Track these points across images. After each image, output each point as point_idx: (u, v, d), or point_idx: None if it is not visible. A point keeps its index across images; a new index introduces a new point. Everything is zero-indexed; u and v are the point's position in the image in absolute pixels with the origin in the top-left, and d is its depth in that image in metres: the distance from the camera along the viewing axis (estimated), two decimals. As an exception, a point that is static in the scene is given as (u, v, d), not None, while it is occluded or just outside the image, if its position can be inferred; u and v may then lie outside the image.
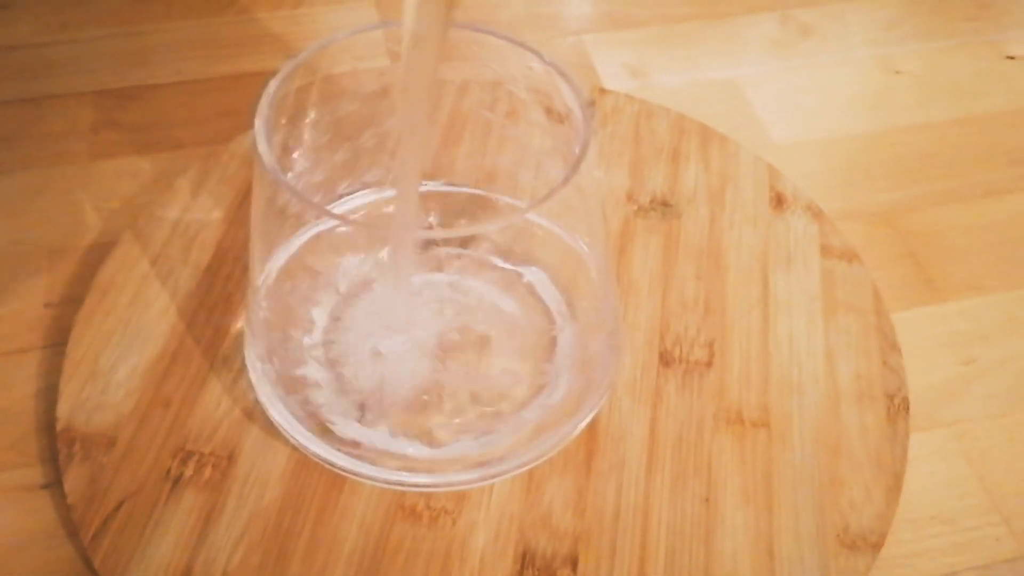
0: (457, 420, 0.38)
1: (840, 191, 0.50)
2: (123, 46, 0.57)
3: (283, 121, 0.37)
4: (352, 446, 0.37)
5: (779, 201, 0.48)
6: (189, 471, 0.38)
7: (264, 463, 0.38)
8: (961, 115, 0.55)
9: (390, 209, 0.41)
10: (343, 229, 0.41)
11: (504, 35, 0.37)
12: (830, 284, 0.44)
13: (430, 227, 0.43)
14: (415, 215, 0.38)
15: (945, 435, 0.41)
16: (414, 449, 0.37)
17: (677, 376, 0.41)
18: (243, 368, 0.40)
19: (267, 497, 0.37)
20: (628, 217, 0.47)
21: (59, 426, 0.39)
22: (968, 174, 0.52)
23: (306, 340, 0.39)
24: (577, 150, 0.33)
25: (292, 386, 0.38)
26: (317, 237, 0.40)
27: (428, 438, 0.37)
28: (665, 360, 0.42)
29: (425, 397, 0.37)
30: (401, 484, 0.37)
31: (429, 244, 0.41)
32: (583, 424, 0.39)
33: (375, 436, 0.37)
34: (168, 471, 0.38)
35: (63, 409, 0.39)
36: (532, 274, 0.41)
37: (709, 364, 0.42)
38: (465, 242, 0.41)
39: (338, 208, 0.43)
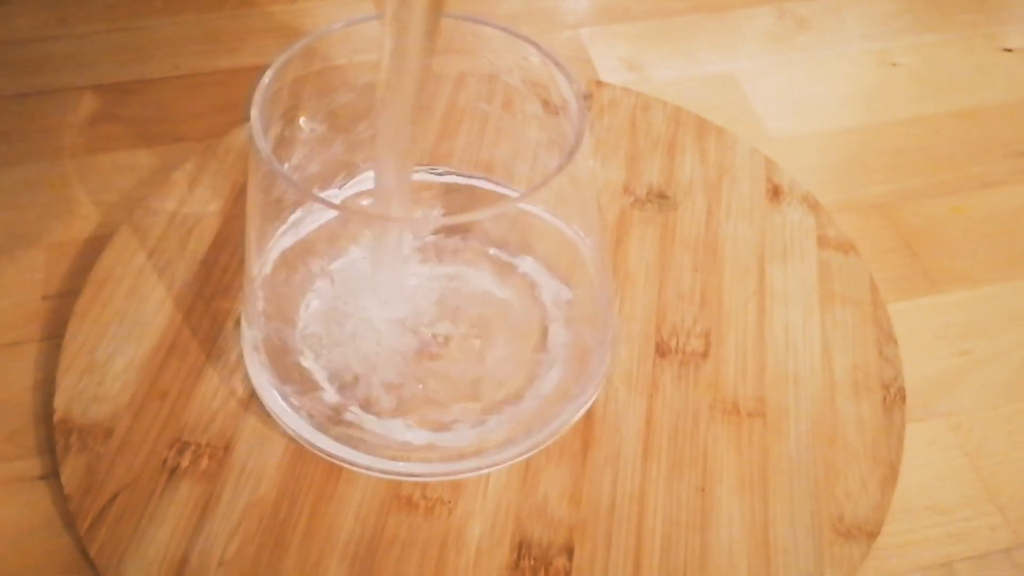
0: (452, 409, 0.38)
1: (837, 183, 0.50)
2: (121, 40, 0.57)
3: (279, 113, 0.37)
4: (347, 434, 0.37)
5: (775, 193, 0.48)
6: (185, 462, 0.38)
7: (260, 453, 0.38)
8: (958, 108, 0.55)
9: (368, 201, 0.41)
10: (339, 219, 0.41)
11: (501, 26, 0.37)
12: (826, 275, 0.45)
13: (425, 216, 0.43)
14: (408, 202, 0.38)
15: (941, 426, 0.41)
16: (411, 435, 0.37)
17: (673, 366, 0.41)
18: (239, 359, 0.41)
19: (263, 487, 0.37)
20: (625, 209, 0.47)
21: (56, 417, 0.39)
22: (965, 166, 0.52)
23: (302, 331, 0.39)
24: (572, 141, 0.33)
25: (288, 376, 0.38)
26: (313, 228, 0.40)
27: (423, 426, 0.37)
28: (661, 351, 0.42)
29: (420, 386, 0.37)
30: (397, 474, 0.37)
31: (425, 233, 0.41)
32: (579, 414, 0.39)
33: (370, 424, 0.37)
34: (164, 462, 0.38)
35: (60, 400, 0.39)
36: (527, 264, 0.41)
37: (705, 355, 0.42)
38: (461, 231, 0.41)
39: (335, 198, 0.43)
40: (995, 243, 0.48)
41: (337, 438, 0.37)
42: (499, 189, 0.44)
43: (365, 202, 0.42)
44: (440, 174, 0.44)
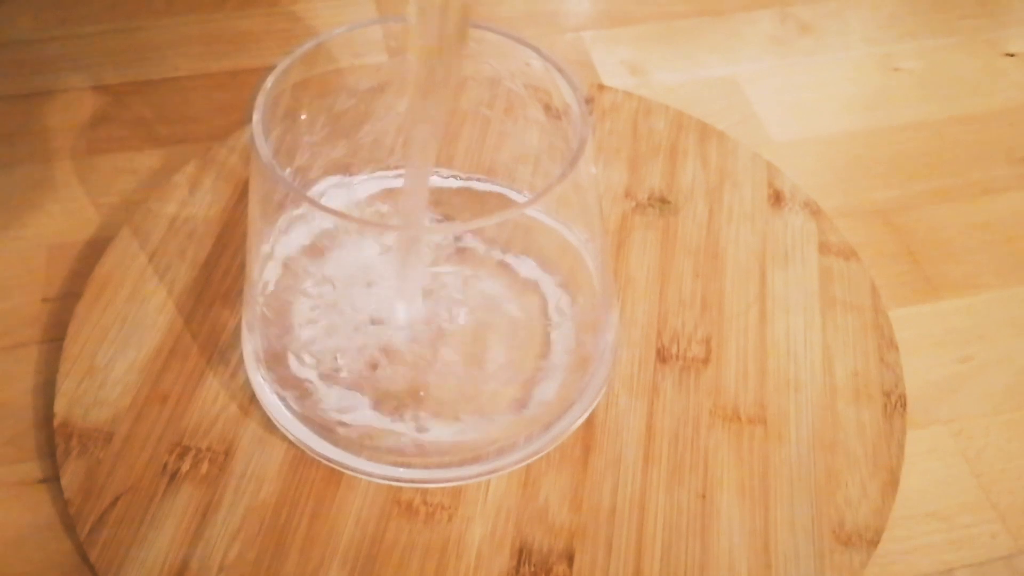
0: (453, 414, 0.38)
1: (838, 188, 0.50)
2: (122, 42, 0.57)
3: (280, 117, 0.37)
4: (347, 440, 0.37)
5: (777, 198, 0.48)
6: (186, 466, 0.38)
7: (261, 458, 0.38)
8: (960, 113, 0.55)
9: (384, 207, 0.41)
10: (340, 224, 0.41)
11: (503, 31, 0.37)
12: (828, 281, 0.44)
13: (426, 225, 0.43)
14: (422, 213, 0.38)
15: (942, 432, 0.41)
16: (411, 440, 0.37)
17: (674, 372, 0.41)
18: (240, 363, 0.41)
19: (264, 492, 0.37)
20: (626, 213, 0.47)
21: (56, 421, 0.39)
22: (967, 172, 0.52)
23: (303, 335, 0.39)
24: (574, 146, 0.33)
25: (288, 381, 0.38)
26: (314, 232, 0.40)
27: (424, 432, 0.37)
28: (662, 356, 0.42)
29: (421, 392, 0.37)
30: (398, 480, 0.37)
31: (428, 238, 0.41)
32: (580, 420, 0.39)
33: (371, 429, 0.37)
34: (165, 466, 0.38)
35: (60, 404, 0.39)
36: (529, 269, 0.41)
37: (706, 361, 0.42)
38: (462, 236, 0.41)
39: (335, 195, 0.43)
40: (996, 249, 0.48)
41: (337, 443, 0.37)
42: (503, 191, 0.44)
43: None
44: (444, 177, 0.44)
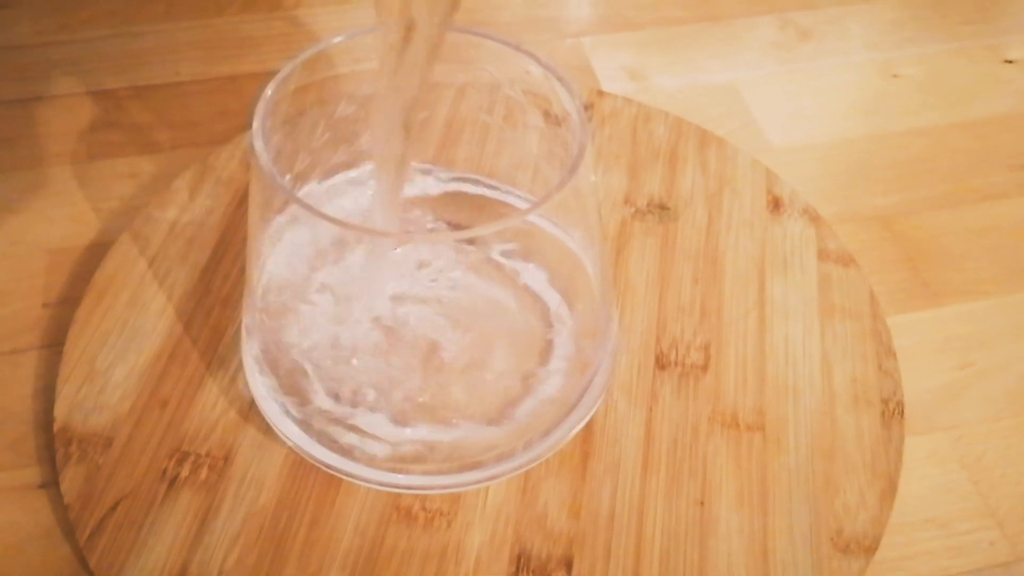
0: (452, 420, 0.38)
1: (838, 195, 0.50)
2: (122, 47, 0.57)
3: (281, 122, 0.37)
4: (347, 446, 0.37)
5: (776, 205, 0.48)
6: (185, 472, 0.38)
7: (260, 464, 0.38)
8: (960, 119, 0.55)
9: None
10: (339, 231, 0.41)
11: (502, 38, 0.37)
12: (827, 288, 0.45)
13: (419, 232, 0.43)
14: (396, 215, 0.38)
15: (940, 439, 0.41)
16: (411, 447, 0.37)
17: (673, 379, 0.41)
18: (240, 369, 0.41)
19: (263, 498, 0.37)
20: (625, 220, 0.47)
21: (56, 426, 0.39)
22: (966, 178, 0.52)
23: (302, 341, 0.39)
24: (574, 153, 0.33)
25: (288, 387, 0.38)
26: (314, 238, 0.40)
27: (423, 438, 0.37)
28: (661, 363, 0.42)
29: (421, 398, 0.37)
30: (396, 486, 0.37)
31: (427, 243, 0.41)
32: (579, 426, 0.39)
33: (370, 436, 0.37)
34: (164, 471, 0.38)
35: (60, 409, 0.39)
36: (529, 276, 0.41)
37: (705, 367, 0.42)
38: (463, 241, 0.41)
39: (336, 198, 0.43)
40: (996, 256, 0.48)
41: (336, 449, 0.37)
42: (502, 197, 0.44)
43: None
44: (444, 180, 0.44)
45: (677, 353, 0.42)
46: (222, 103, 0.54)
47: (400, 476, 0.37)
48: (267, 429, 0.39)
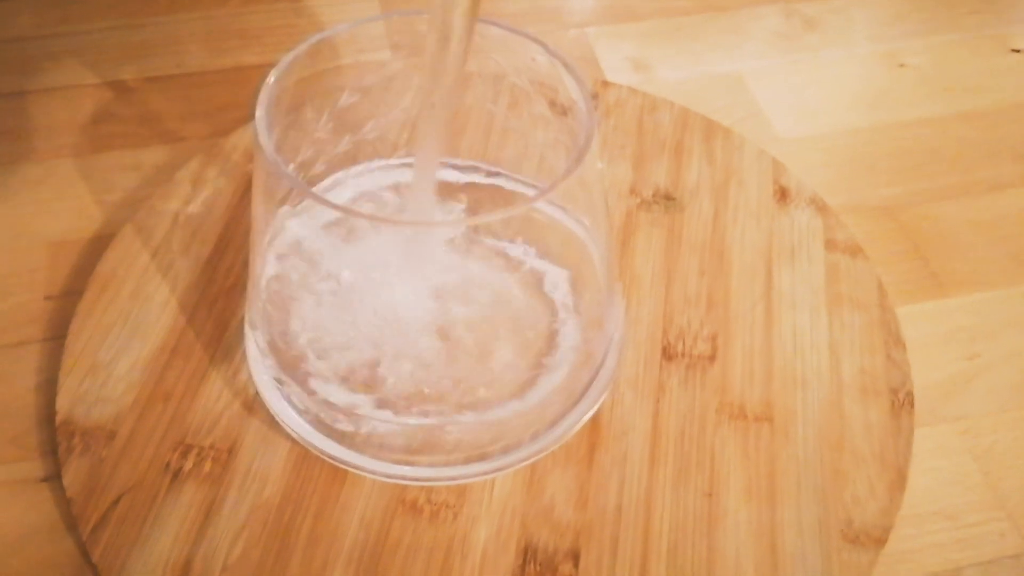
0: (458, 411, 0.37)
1: (844, 185, 0.50)
2: (124, 38, 0.56)
3: (284, 113, 0.37)
4: (352, 438, 0.37)
5: (783, 195, 0.47)
6: (189, 465, 0.38)
7: (265, 457, 0.38)
8: (966, 109, 0.55)
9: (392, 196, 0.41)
10: (344, 220, 0.41)
11: (508, 26, 0.37)
12: (834, 278, 0.44)
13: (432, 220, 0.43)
14: (431, 205, 0.38)
15: (949, 430, 0.41)
16: (415, 439, 0.37)
17: (680, 370, 0.41)
18: (244, 361, 0.40)
19: (267, 491, 0.37)
20: (631, 210, 0.47)
21: (59, 419, 0.39)
22: (973, 169, 0.51)
23: (306, 332, 0.39)
24: (581, 142, 0.33)
25: (292, 379, 0.38)
26: (318, 229, 0.40)
27: (429, 430, 0.37)
28: (668, 354, 0.41)
29: (426, 390, 0.37)
30: (402, 478, 0.37)
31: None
32: (585, 418, 0.38)
33: (375, 427, 0.37)
34: (168, 465, 0.38)
35: (63, 402, 0.39)
36: (536, 265, 0.41)
37: (712, 358, 0.41)
38: (469, 230, 0.41)
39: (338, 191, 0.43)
40: (1004, 246, 0.48)
41: (341, 441, 0.37)
42: (511, 186, 0.44)
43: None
44: (462, 170, 0.44)
45: (684, 344, 0.42)
46: (225, 94, 0.53)
47: (406, 468, 0.37)
48: (271, 421, 0.38)
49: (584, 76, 0.35)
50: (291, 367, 0.38)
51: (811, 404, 0.40)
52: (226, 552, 0.36)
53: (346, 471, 0.37)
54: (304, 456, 0.38)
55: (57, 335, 0.42)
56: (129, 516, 0.36)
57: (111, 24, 0.57)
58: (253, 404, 0.39)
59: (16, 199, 0.48)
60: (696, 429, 0.39)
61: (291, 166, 0.40)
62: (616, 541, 0.36)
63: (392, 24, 0.39)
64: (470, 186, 0.44)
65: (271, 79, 0.35)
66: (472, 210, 0.42)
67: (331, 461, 0.37)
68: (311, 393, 0.37)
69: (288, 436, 0.38)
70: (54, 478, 0.38)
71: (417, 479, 0.37)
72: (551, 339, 0.40)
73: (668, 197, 0.47)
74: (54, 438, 0.39)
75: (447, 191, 0.43)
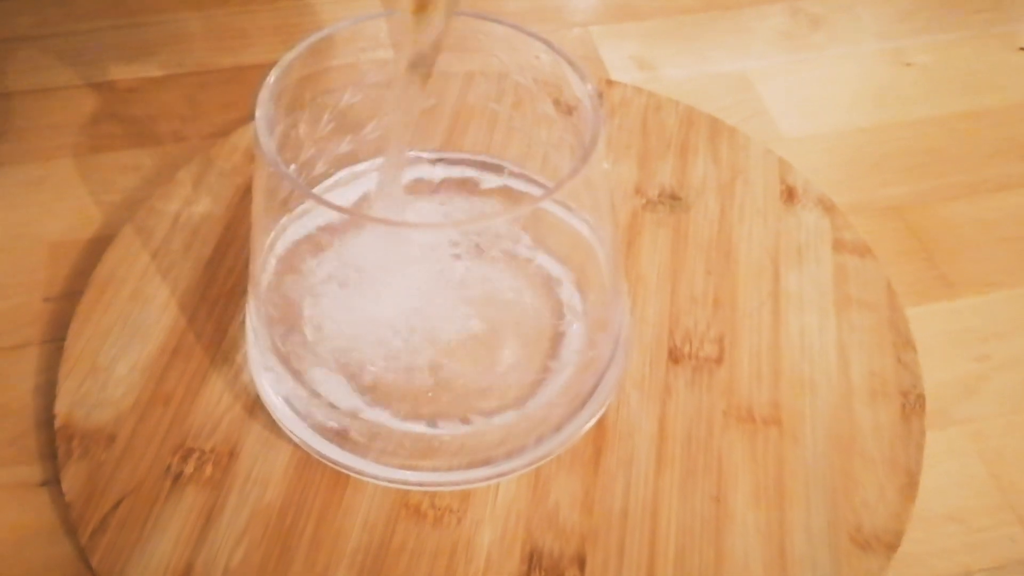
0: (462, 415, 0.37)
1: (850, 185, 0.49)
2: (125, 38, 0.56)
3: (285, 112, 0.36)
4: (354, 442, 0.36)
5: (790, 195, 0.47)
6: (189, 468, 0.37)
7: (266, 460, 0.37)
8: (973, 108, 0.54)
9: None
10: (346, 221, 0.40)
11: (512, 24, 0.36)
12: (842, 279, 0.44)
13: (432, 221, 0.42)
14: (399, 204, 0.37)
15: (958, 433, 0.40)
16: (419, 442, 0.36)
17: (686, 372, 0.41)
18: (245, 363, 0.40)
19: (269, 495, 0.37)
20: (636, 210, 0.46)
21: (57, 422, 0.38)
22: (981, 168, 0.51)
23: (308, 335, 0.38)
24: (587, 141, 0.33)
25: (294, 382, 0.37)
26: (320, 229, 0.39)
27: (432, 433, 0.37)
28: (674, 356, 0.41)
29: (430, 394, 0.37)
30: (405, 483, 0.36)
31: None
32: (591, 421, 0.38)
33: (378, 431, 0.36)
34: (168, 468, 0.37)
35: (62, 405, 0.39)
36: (541, 266, 0.40)
37: (719, 360, 0.41)
38: (473, 231, 0.40)
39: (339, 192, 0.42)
40: (1012, 246, 0.47)
41: (343, 446, 0.37)
42: (515, 187, 0.44)
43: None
44: (453, 164, 0.44)
45: (691, 346, 0.41)
46: (226, 94, 0.53)
47: (408, 472, 0.36)
48: (273, 425, 0.38)
49: (590, 74, 0.35)
50: (293, 370, 0.38)
51: (820, 407, 0.40)
52: (227, 557, 0.35)
53: (348, 476, 0.37)
54: (306, 460, 0.37)
55: (56, 337, 0.42)
56: (129, 520, 0.36)
57: (111, 24, 0.57)
58: (254, 407, 0.39)
59: (15, 199, 0.48)
60: (703, 432, 0.39)
61: (292, 166, 0.40)
62: (622, 546, 0.36)
63: (393, 22, 0.38)
64: (472, 183, 0.43)
65: (271, 78, 0.34)
66: (475, 210, 0.42)
67: (332, 465, 0.37)
68: (313, 396, 0.37)
69: (289, 440, 0.38)
70: (53, 482, 0.38)
71: (420, 484, 0.36)
72: (556, 341, 0.39)
73: (674, 197, 0.47)
74: (53, 441, 0.38)
75: (450, 189, 0.43)
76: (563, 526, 0.36)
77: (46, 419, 0.39)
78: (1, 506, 0.37)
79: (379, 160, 0.42)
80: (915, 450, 0.38)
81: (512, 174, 0.43)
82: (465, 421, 0.37)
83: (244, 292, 0.42)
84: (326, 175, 0.42)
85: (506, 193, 0.43)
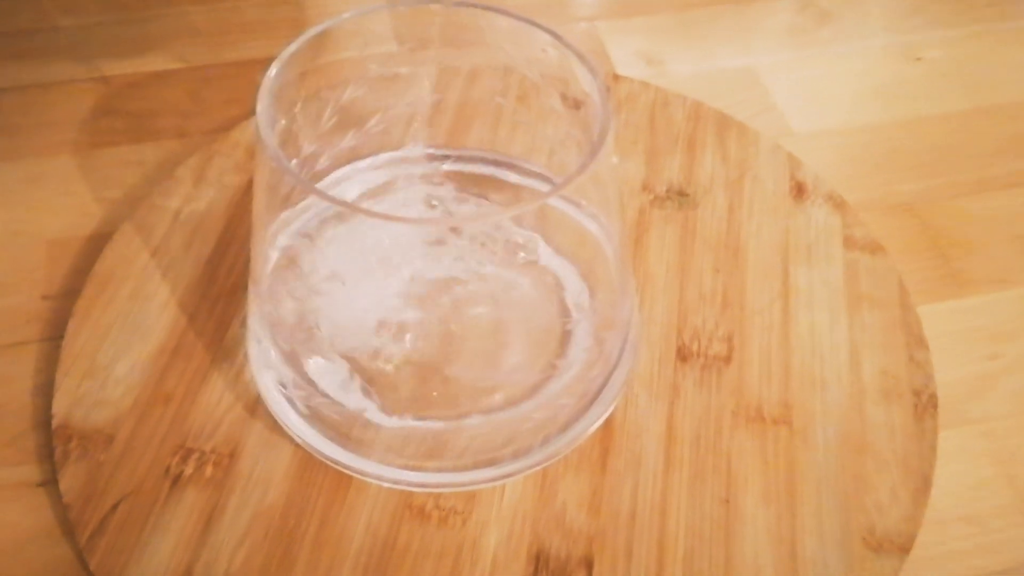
0: (467, 415, 0.36)
1: (860, 181, 0.49)
2: (125, 32, 0.56)
3: (286, 107, 0.36)
4: (357, 442, 0.36)
5: (800, 191, 0.46)
6: (189, 469, 0.37)
7: (267, 461, 0.37)
8: (984, 103, 0.54)
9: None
10: (349, 217, 0.40)
11: (519, 16, 0.36)
12: (853, 277, 0.43)
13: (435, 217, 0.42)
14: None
15: (971, 433, 0.40)
16: (423, 443, 0.36)
17: (695, 371, 0.40)
18: (245, 362, 0.40)
19: (270, 496, 0.36)
20: (644, 207, 0.46)
21: (55, 423, 0.38)
22: (992, 164, 0.50)
23: (311, 333, 0.38)
24: (596, 135, 0.32)
25: (296, 381, 0.37)
26: (322, 225, 0.39)
27: (437, 433, 0.36)
28: (683, 355, 0.40)
29: (435, 393, 0.36)
30: (409, 484, 0.36)
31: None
32: (598, 421, 0.38)
33: (381, 431, 0.36)
34: (168, 469, 0.37)
35: (60, 405, 0.38)
36: (548, 263, 0.40)
37: (728, 359, 0.40)
38: (479, 227, 0.40)
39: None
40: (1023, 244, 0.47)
41: (346, 446, 0.36)
42: (523, 182, 0.43)
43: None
44: (460, 161, 0.43)
45: (699, 345, 0.41)
46: (227, 90, 0.53)
47: (413, 473, 0.36)
48: (274, 425, 0.38)
49: (598, 67, 0.34)
50: (294, 369, 0.37)
51: (831, 406, 0.39)
52: (228, 559, 0.35)
53: (351, 476, 0.36)
54: (308, 461, 0.37)
55: (55, 335, 0.42)
56: (128, 522, 0.35)
57: (112, 18, 0.57)
58: (255, 407, 0.38)
59: (14, 196, 0.47)
60: (712, 432, 0.38)
61: (294, 162, 0.39)
62: (630, 548, 0.35)
63: (396, 14, 0.38)
64: (479, 178, 0.43)
65: (272, 72, 0.34)
66: (482, 206, 0.42)
67: (336, 466, 0.36)
68: (315, 396, 0.36)
69: (291, 440, 0.37)
70: (51, 483, 0.37)
71: (425, 485, 0.36)
72: (563, 340, 0.39)
73: (682, 193, 0.46)
74: (51, 442, 0.38)
75: (457, 183, 0.42)
76: (570, 527, 0.36)
77: (44, 419, 0.39)
78: (-1, 507, 0.37)
79: (382, 155, 0.42)
80: (928, 451, 0.38)
81: (518, 169, 0.43)
82: (470, 421, 0.36)
83: (245, 290, 0.42)
84: (329, 170, 0.42)
85: (513, 189, 0.43)
